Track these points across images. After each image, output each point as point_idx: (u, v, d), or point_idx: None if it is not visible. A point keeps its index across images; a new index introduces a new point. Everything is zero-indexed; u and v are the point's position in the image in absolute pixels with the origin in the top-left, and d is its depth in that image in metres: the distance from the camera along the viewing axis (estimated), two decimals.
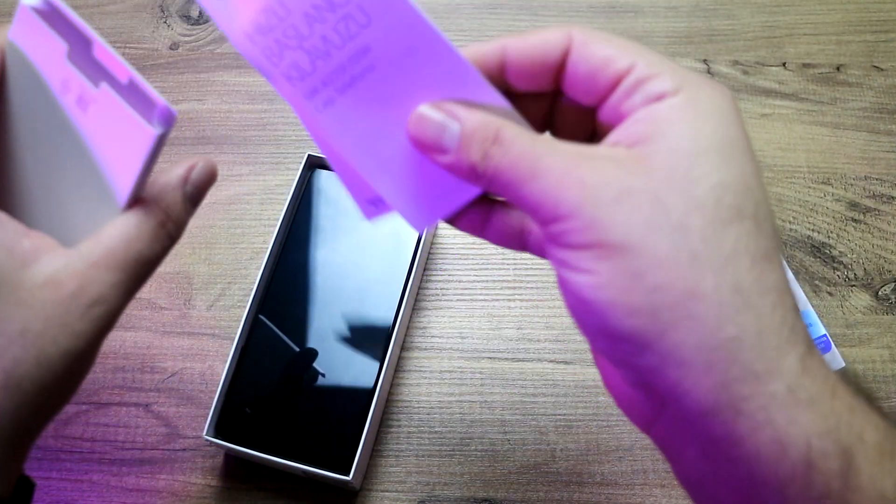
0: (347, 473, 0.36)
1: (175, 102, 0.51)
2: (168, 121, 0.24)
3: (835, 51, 0.54)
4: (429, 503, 0.40)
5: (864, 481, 0.19)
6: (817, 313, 0.40)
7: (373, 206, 0.26)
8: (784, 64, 0.53)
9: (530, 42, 0.23)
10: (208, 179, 0.27)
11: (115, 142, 0.25)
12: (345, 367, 0.39)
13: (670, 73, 0.21)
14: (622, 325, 0.20)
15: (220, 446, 0.38)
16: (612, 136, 0.22)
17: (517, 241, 0.26)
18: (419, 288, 0.45)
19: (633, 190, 0.20)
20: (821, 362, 0.20)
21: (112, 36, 0.54)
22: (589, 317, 0.21)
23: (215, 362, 0.43)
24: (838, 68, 0.53)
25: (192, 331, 0.44)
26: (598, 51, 0.22)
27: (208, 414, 0.38)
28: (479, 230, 0.26)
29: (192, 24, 0.54)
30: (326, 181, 0.44)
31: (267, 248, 0.41)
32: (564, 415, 0.42)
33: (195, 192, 0.27)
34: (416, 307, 0.45)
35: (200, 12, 0.55)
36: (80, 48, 0.25)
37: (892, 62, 0.54)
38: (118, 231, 0.25)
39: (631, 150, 0.21)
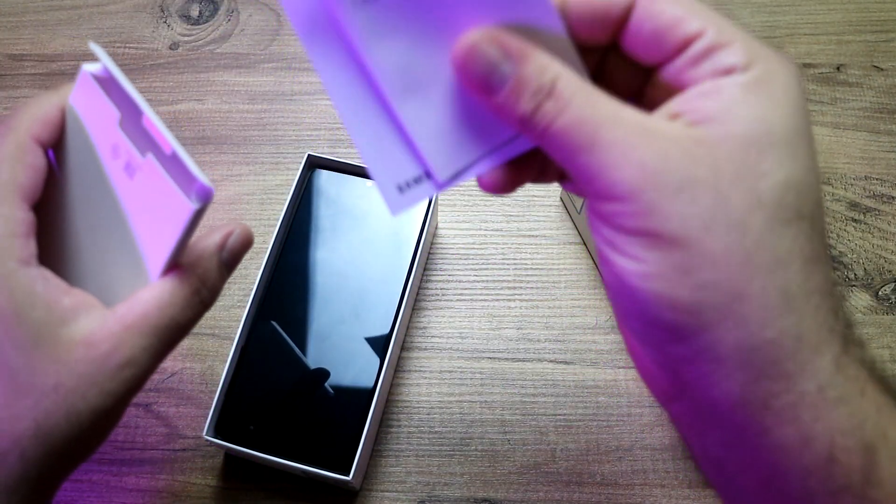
0: (347, 473, 0.36)
1: (175, 102, 0.51)
2: (205, 197, 0.24)
3: (835, 51, 0.54)
4: (429, 503, 0.40)
5: (884, 476, 0.19)
6: None
7: (400, 192, 0.23)
8: None
9: None
10: (245, 246, 0.28)
11: (157, 210, 0.26)
12: (345, 367, 0.39)
13: (743, 43, 0.20)
14: (663, 315, 0.19)
15: (220, 446, 0.38)
16: (673, 105, 0.20)
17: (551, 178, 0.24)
18: (419, 288, 0.45)
19: (696, 181, 0.19)
20: (854, 361, 0.20)
21: (112, 36, 0.54)
22: (629, 302, 0.20)
23: (215, 362, 0.43)
24: (838, 68, 0.53)
25: (192, 331, 0.44)
26: (667, 8, 0.21)
27: (208, 414, 0.38)
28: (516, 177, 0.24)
29: (192, 24, 0.54)
30: (326, 181, 0.44)
31: (267, 248, 0.41)
32: (564, 415, 0.42)
33: (231, 259, 0.28)
34: (416, 307, 0.45)
35: (200, 12, 0.55)
36: (131, 117, 0.26)
37: (892, 62, 0.54)
38: (153, 296, 0.26)
39: (695, 130, 0.20)
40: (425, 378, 0.43)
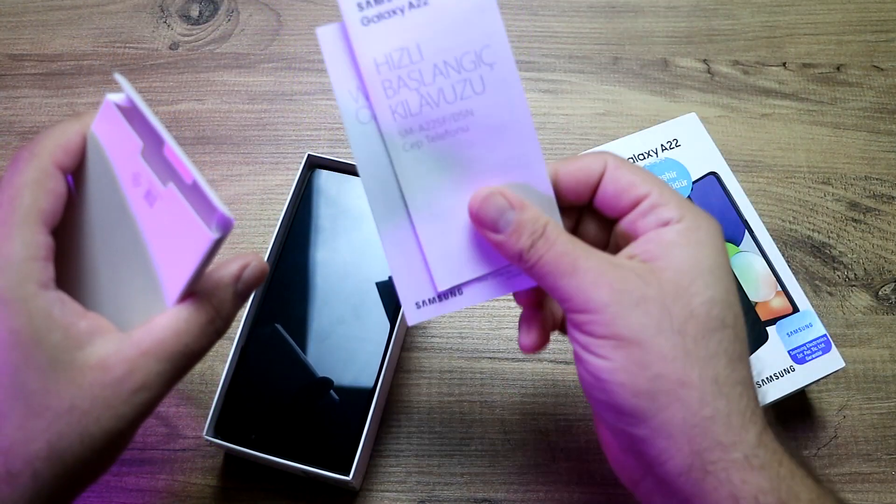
0: (347, 473, 0.36)
1: (175, 102, 0.51)
2: (226, 227, 0.25)
3: (835, 51, 0.54)
4: (429, 503, 0.40)
5: None
6: (817, 313, 0.40)
7: (417, 308, 0.29)
8: (784, 64, 0.53)
9: (577, 166, 0.29)
10: (259, 279, 0.29)
11: (176, 238, 0.26)
12: (345, 367, 0.39)
13: (676, 203, 0.27)
14: (627, 402, 0.25)
15: (220, 446, 0.38)
16: (630, 249, 0.27)
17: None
18: None
19: (648, 298, 0.25)
20: (772, 438, 0.26)
21: (112, 36, 0.54)
22: (601, 393, 0.26)
23: (215, 362, 0.43)
24: (838, 68, 0.53)
25: None
26: (624, 176, 0.28)
27: (208, 414, 0.38)
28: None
29: (192, 24, 0.54)
30: (326, 181, 0.44)
31: (267, 248, 0.41)
32: (564, 415, 0.42)
33: (245, 290, 0.29)
34: None
35: (200, 12, 0.55)
36: (153, 146, 0.26)
37: (892, 62, 0.54)
38: (169, 323, 0.26)
39: (646, 265, 0.26)
40: (425, 378, 0.43)
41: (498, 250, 0.28)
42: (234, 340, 0.39)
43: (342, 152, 0.49)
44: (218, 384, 0.38)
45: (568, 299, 0.26)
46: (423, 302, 0.30)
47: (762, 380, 0.38)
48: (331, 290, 0.41)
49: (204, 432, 0.37)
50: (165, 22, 0.54)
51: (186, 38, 0.54)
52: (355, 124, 0.27)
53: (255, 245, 0.47)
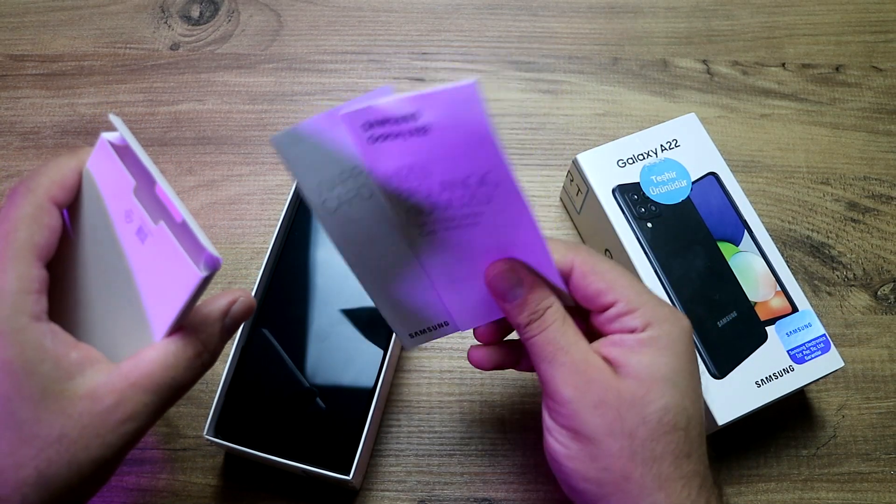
0: (347, 473, 0.36)
1: (175, 103, 0.51)
2: (213, 266, 0.26)
3: (834, 51, 0.54)
4: (429, 503, 0.40)
5: None
6: (816, 313, 0.40)
7: (411, 337, 0.34)
8: (783, 64, 0.54)
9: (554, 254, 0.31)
10: (247, 314, 0.30)
11: (165, 274, 0.27)
12: (345, 368, 0.39)
13: (643, 310, 0.30)
14: (579, 485, 0.29)
15: (220, 446, 0.38)
16: (601, 347, 0.31)
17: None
18: None
19: (605, 403, 0.29)
20: None
21: (113, 36, 0.54)
22: (557, 470, 0.31)
23: (215, 362, 0.43)
24: (837, 69, 0.53)
25: None
26: (591, 283, 0.31)
27: (208, 414, 0.38)
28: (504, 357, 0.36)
29: (193, 25, 0.54)
30: None
31: (267, 248, 0.41)
32: None
33: (233, 325, 0.30)
34: None
35: (201, 13, 0.55)
36: (145, 185, 0.27)
37: (891, 62, 0.54)
38: (158, 356, 0.27)
39: (610, 370, 0.30)
40: (425, 378, 0.43)
41: (504, 313, 0.32)
42: (234, 340, 0.39)
43: None
44: (218, 384, 0.38)
45: (542, 382, 0.30)
46: (418, 332, 0.33)
47: (761, 379, 0.38)
48: (331, 290, 0.41)
49: (204, 432, 0.37)
50: (166, 22, 0.54)
51: (187, 39, 0.54)
52: (327, 215, 0.29)
53: (255, 245, 0.47)
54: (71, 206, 0.29)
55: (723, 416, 0.38)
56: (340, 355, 0.40)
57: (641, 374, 0.29)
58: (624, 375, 0.29)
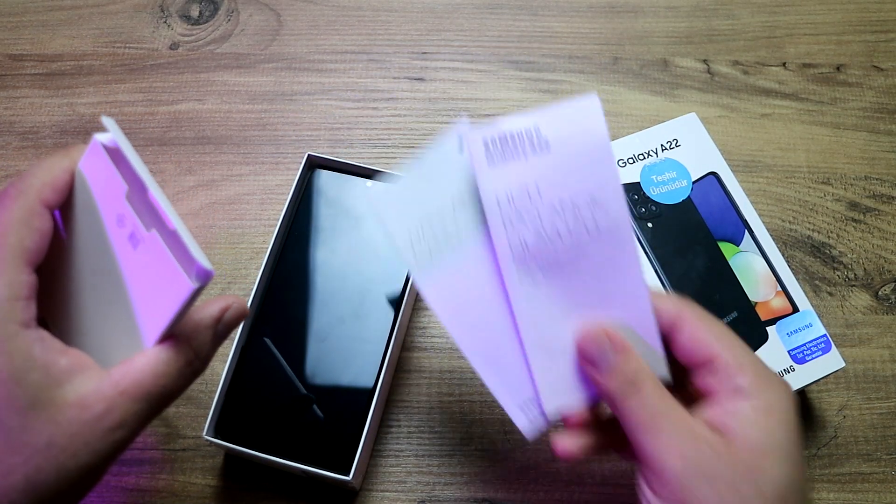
0: (347, 473, 0.36)
1: (175, 102, 0.51)
2: (205, 278, 0.26)
3: (835, 51, 0.54)
4: (429, 503, 0.40)
5: None
6: (817, 313, 0.40)
7: (524, 414, 0.31)
8: (784, 64, 0.53)
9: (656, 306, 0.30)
10: (239, 320, 0.30)
11: (157, 282, 0.27)
12: (344, 368, 0.39)
13: (750, 370, 0.28)
14: None
15: (220, 446, 0.38)
16: (706, 414, 0.28)
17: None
18: None
19: (718, 475, 0.27)
20: None
21: (112, 36, 0.54)
22: None
23: (215, 362, 0.43)
24: (838, 68, 0.53)
25: None
26: (697, 334, 0.29)
27: (208, 414, 0.38)
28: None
29: (192, 24, 0.54)
30: (326, 181, 0.44)
31: (267, 248, 0.41)
32: None
33: (225, 332, 0.29)
34: (416, 307, 0.45)
35: (201, 12, 0.55)
36: (137, 190, 0.27)
37: (892, 62, 0.54)
38: (148, 364, 0.27)
39: (721, 439, 0.27)
40: (425, 378, 0.43)
41: (593, 383, 0.30)
42: (234, 341, 0.39)
43: (342, 152, 0.49)
44: (218, 384, 0.38)
45: (642, 457, 0.28)
46: (525, 403, 0.31)
47: None
48: (331, 290, 0.41)
49: (204, 432, 0.37)
50: (166, 22, 0.54)
51: (186, 39, 0.54)
52: (421, 267, 0.29)
53: (255, 245, 0.47)
54: (64, 207, 0.29)
55: None
56: (340, 355, 0.40)
57: (756, 444, 0.27)
58: (737, 444, 0.27)
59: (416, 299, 0.45)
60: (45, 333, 0.26)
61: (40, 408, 0.25)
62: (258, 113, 0.51)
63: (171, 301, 0.26)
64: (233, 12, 0.55)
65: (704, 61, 0.53)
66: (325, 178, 0.44)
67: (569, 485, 0.41)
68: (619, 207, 0.28)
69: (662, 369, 0.30)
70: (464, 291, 0.30)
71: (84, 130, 0.50)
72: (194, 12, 0.55)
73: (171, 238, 0.26)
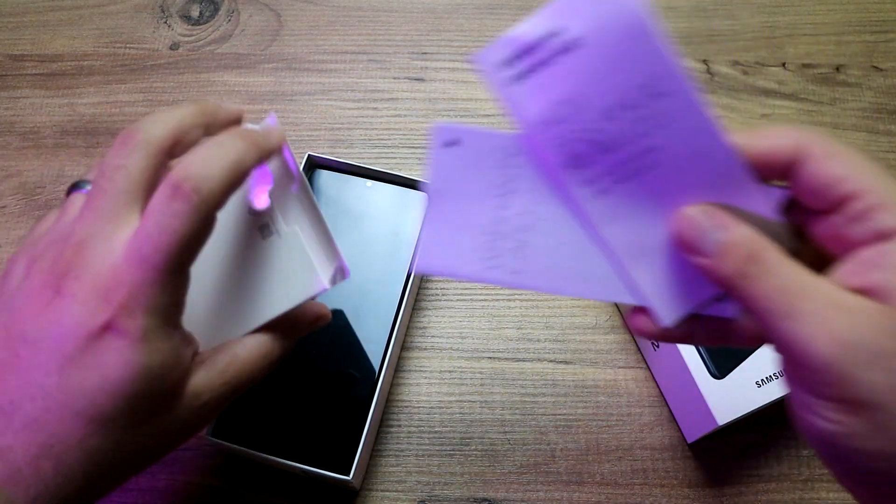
0: (347, 473, 0.36)
1: (175, 102, 0.51)
2: (342, 278, 0.27)
3: (834, 51, 0.54)
4: (429, 503, 0.40)
5: None
6: None
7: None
8: (784, 64, 0.53)
9: (765, 146, 0.24)
10: (319, 327, 0.33)
11: (281, 275, 0.28)
12: (344, 367, 0.39)
13: None
14: (870, 465, 0.21)
15: (220, 446, 0.38)
16: (849, 277, 0.23)
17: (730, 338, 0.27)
18: (419, 288, 0.45)
19: (883, 353, 0.21)
20: None
21: (113, 36, 0.54)
22: (834, 459, 0.22)
23: None
24: (838, 68, 0.53)
25: None
26: (833, 167, 0.23)
27: None
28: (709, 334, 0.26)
29: (193, 25, 0.54)
30: (326, 181, 0.44)
31: None
32: (564, 415, 0.42)
33: (305, 335, 0.32)
34: (416, 307, 0.45)
35: (201, 12, 0.55)
36: (285, 185, 0.28)
37: (891, 62, 0.54)
38: (250, 356, 0.30)
39: (874, 303, 0.21)
40: (425, 378, 0.43)
41: (707, 277, 0.24)
42: None
43: (342, 152, 0.50)
44: None
45: (785, 348, 0.22)
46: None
47: (762, 379, 0.38)
48: (331, 290, 0.41)
49: (204, 432, 0.37)
50: (166, 22, 0.54)
51: (187, 39, 0.54)
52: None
53: None
54: None
55: (723, 416, 0.37)
56: (340, 355, 0.40)
57: None
58: None
59: (416, 299, 0.45)
60: (187, 333, 0.28)
61: (168, 401, 0.27)
62: (258, 113, 0.51)
63: (295, 294, 0.28)
64: (233, 13, 0.55)
65: (704, 61, 0.53)
66: (325, 178, 0.44)
67: (569, 484, 0.41)
68: (684, 87, 0.23)
69: (783, 235, 0.24)
70: (561, 257, 0.25)
71: (85, 131, 0.50)
72: (195, 13, 0.55)
73: (316, 237, 0.27)
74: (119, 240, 0.25)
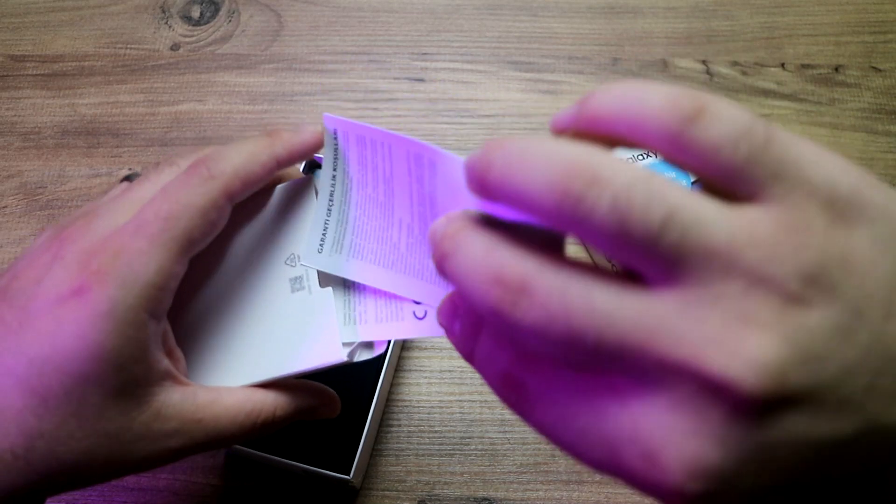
0: (348, 472, 0.36)
1: (176, 103, 0.51)
2: (368, 355, 0.25)
3: (833, 52, 0.54)
4: (429, 502, 0.41)
5: None
6: None
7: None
8: (783, 65, 0.54)
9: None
10: (317, 417, 0.31)
11: (298, 333, 0.26)
12: (345, 367, 0.39)
13: None
14: None
15: None
16: None
17: None
18: None
19: None
20: None
21: (113, 37, 0.54)
22: None
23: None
24: (837, 69, 0.53)
25: None
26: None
27: None
28: None
29: (193, 25, 0.55)
30: None
31: None
32: None
33: (301, 417, 0.29)
34: None
35: (202, 13, 0.55)
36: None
37: (890, 63, 0.54)
38: (232, 409, 0.26)
39: None
40: (425, 378, 0.43)
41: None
42: None
43: None
44: None
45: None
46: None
47: None
48: None
49: None
50: (167, 23, 0.55)
51: (187, 39, 0.54)
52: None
53: None
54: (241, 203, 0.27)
55: None
56: None
57: None
58: None
59: None
60: (167, 328, 0.25)
61: (124, 400, 0.24)
62: (259, 113, 0.51)
63: (307, 359, 0.25)
64: (234, 13, 0.55)
65: (703, 62, 0.54)
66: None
67: (568, 484, 0.41)
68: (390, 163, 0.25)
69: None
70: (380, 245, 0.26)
71: (86, 131, 0.50)
72: (195, 13, 0.55)
73: (350, 301, 0.26)
74: (132, 213, 0.24)
